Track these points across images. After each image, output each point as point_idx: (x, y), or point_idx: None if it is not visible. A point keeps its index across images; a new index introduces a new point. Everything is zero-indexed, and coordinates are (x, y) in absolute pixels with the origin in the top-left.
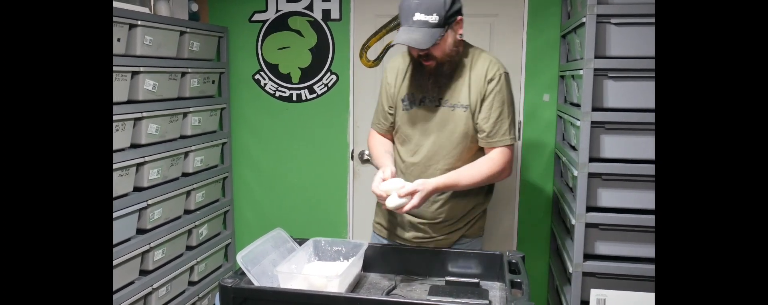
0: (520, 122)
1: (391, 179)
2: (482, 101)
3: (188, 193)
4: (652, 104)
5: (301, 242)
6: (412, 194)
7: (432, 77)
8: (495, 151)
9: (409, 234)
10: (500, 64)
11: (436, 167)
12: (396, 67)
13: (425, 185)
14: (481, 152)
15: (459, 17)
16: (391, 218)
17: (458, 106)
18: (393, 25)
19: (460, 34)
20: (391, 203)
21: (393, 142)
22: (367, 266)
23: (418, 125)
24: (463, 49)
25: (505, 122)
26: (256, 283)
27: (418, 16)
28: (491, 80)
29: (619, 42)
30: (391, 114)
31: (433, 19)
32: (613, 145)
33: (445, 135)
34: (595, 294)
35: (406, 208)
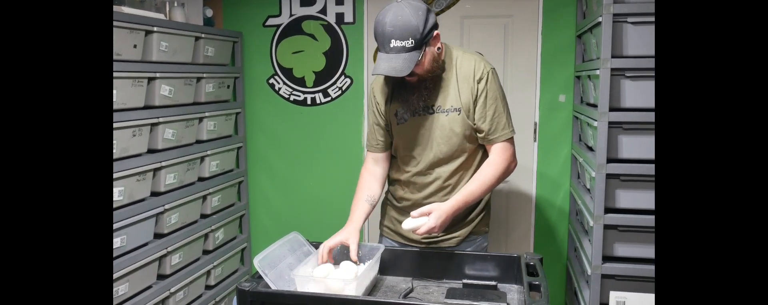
0: (535, 123)
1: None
2: (475, 101)
3: (204, 197)
4: None
5: (317, 245)
6: (427, 214)
7: (418, 90)
8: (496, 148)
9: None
10: (485, 61)
11: (441, 171)
12: (382, 85)
13: (440, 205)
14: (481, 149)
15: (436, 32)
16: (399, 222)
17: (451, 110)
18: None
19: (438, 47)
20: (408, 224)
21: (389, 161)
22: (384, 269)
23: (415, 135)
24: (444, 55)
25: (501, 118)
26: (274, 287)
27: (395, 43)
28: (480, 79)
29: (636, 41)
30: (387, 131)
31: (409, 43)
32: (631, 145)
33: (443, 140)
34: (614, 297)
35: (423, 230)
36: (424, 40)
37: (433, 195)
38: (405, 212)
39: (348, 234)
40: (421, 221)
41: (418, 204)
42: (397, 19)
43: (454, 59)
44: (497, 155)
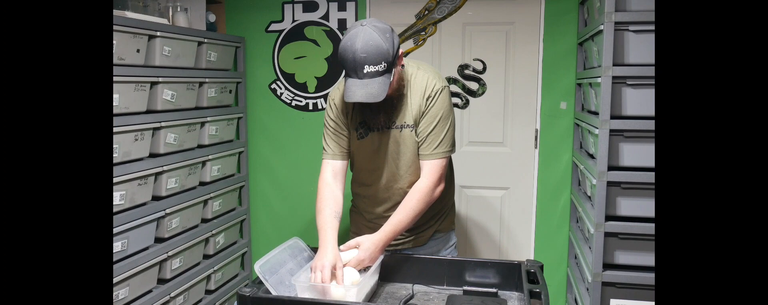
0: (536, 130)
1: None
2: (421, 116)
3: (205, 202)
4: None
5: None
6: (355, 247)
7: (383, 107)
8: (426, 165)
9: None
10: (439, 78)
11: (398, 187)
12: (343, 98)
13: (369, 237)
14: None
15: (400, 52)
16: (365, 227)
17: (404, 126)
18: (409, 33)
19: (402, 65)
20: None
21: (346, 174)
22: (385, 275)
23: (373, 150)
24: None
25: (438, 137)
26: (274, 293)
27: (368, 68)
28: (429, 97)
29: (637, 49)
30: (346, 138)
31: (382, 67)
32: (632, 153)
33: (399, 156)
34: None
35: (353, 263)
36: (393, 62)
37: (392, 209)
38: (370, 222)
39: (334, 258)
40: (352, 254)
41: (380, 216)
42: (368, 44)
43: (408, 75)
44: (425, 177)
